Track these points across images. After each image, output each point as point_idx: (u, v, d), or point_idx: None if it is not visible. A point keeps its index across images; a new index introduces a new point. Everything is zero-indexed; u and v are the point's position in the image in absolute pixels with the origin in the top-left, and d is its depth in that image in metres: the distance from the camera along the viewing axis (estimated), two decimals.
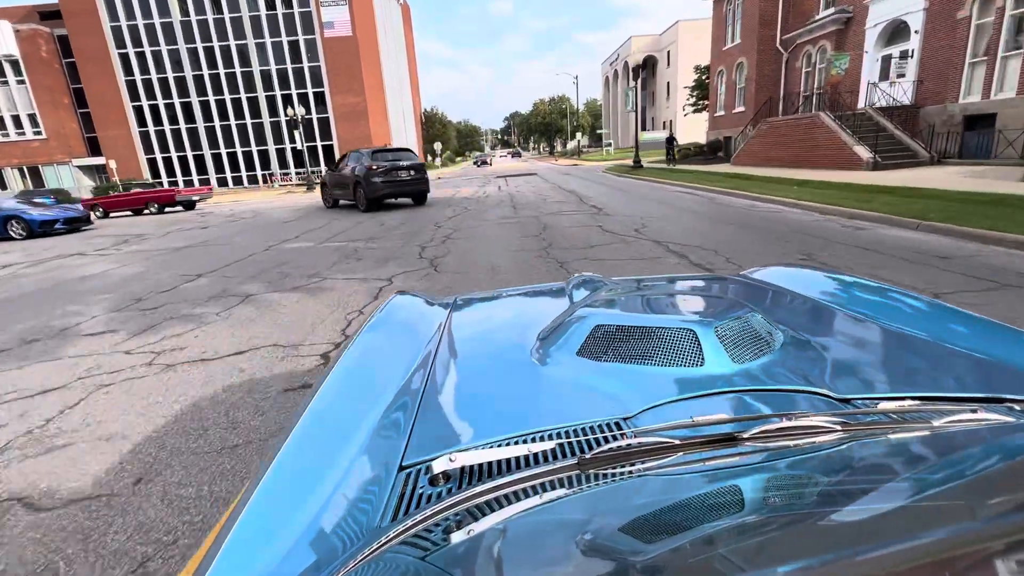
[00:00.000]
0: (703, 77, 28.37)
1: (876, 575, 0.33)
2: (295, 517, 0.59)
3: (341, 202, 14.71)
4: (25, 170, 38.20)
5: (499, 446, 0.68)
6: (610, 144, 49.26)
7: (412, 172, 12.96)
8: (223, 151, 38.16)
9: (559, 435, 0.71)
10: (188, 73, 36.56)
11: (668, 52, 43.86)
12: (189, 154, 38.07)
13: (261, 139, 37.99)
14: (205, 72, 36.67)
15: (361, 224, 10.20)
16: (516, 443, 0.69)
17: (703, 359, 0.83)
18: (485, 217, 9.96)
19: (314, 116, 37.45)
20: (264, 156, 38.36)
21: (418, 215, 11.00)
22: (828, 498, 0.51)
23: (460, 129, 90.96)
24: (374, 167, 12.44)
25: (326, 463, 0.68)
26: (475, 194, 16.07)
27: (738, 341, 0.86)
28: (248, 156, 38.34)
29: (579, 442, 0.68)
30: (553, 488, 0.56)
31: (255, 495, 0.62)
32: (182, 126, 37.50)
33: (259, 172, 38.37)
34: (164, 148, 38.03)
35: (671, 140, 24.23)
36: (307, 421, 0.78)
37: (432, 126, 61.58)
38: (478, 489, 0.57)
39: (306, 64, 36.75)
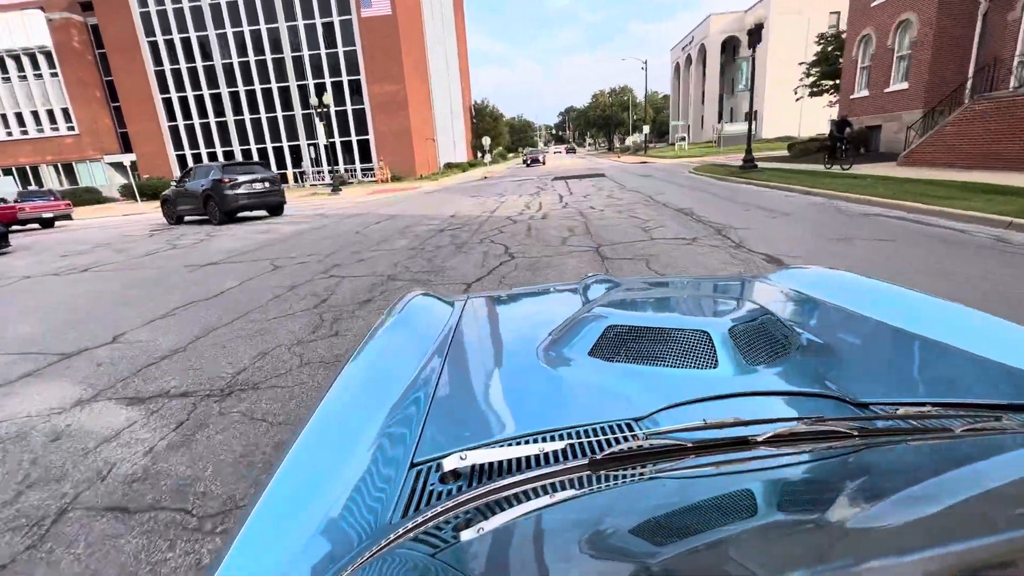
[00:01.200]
0: (829, 48, 21.68)
1: None
2: (307, 513, 0.59)
3: (186, 218, 14.19)
4: (60, 167, 36.74)
5: (510, 445, 0.68)
6: (683, 139, 42.66)
7: (267, 184, 13.18)
8: (253, 147, 34.98)
9: (570, 435, 0.71)
10: (217, 61, 33.55)
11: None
12: (219, 150, 35.18)
13: (292, 133, 34.52)
14: (235, 60, 33.53)
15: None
16: (527, 442, 0.69)
17: (717, 361, 0.82)
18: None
19: (348, 107, 33.52)
20: (296, 152, 34.89)
21: (343, 289, 5.46)
22: (844, 504, 0.50)
23: (513, 124, 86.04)
24: (226, 180, 12.39)
25: (338, 459, 0.69)
26: (524, 211, 10.83)
27: (753, 343, 0.85)
28: (279, 153, 34.99)
29: (591, 442, 0.67)
30: (564, 488, 0.56)
31: (268, 490, 0.63)
32: (211, 120, 34.62)
33: (290, 170, 34.96)
34: (193, 144, 35.33)
35: (845, 123, 15.12)
36: (319, 418, 0.78)
37: (482, 120, 56.91)
38: (489, 487, 0.58)
39: (341, 48, 32.80)
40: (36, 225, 18.70)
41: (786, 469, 0.58)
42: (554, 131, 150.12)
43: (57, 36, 33.83)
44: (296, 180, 34.65)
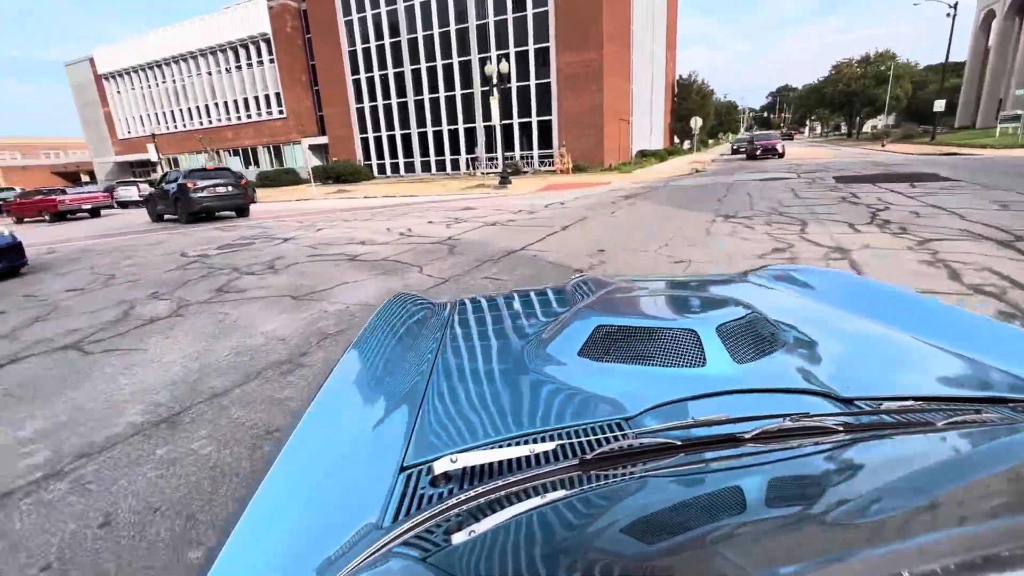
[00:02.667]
0: None
1: None
2: (296, 518, 0.59)
3: (166, 216, 15.49)
4: (271, 149, 39.56)
5: (501, 447, 0.68)
6: (1018, 119, 27.70)
7: (230, 188, 14.66)
8: (429, 129, 32.37)
9: (561, 436, 0.71)
10: (403, 37, 31.37)
11: None
12: (397, 133, 33.50)
13: (469, 114, 30.84)
14: (420, 34, 30.93)
15: None
16: (518, 444, 0.69)
17: (705, 359, 0.82)
18: None
19: (532, 81, 28.32)
20: (471, 136, 31.22)
21: None
22: (831, 499, 0.51)
23: (716, 107, 72.90)
24: (189, 184, 13.77)
25: (327, 464, 0.69)
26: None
27: (740, 341, 0.86)
28: (454, 136, 31.74)
29: (581, 443, 0.68)
30: (555, 489, 0.57)
31: (256, 496, 0.63)
32: (393, 100, 32.92)
33: (463, 156, 31.53)
34: (376, 126, 34.26)
35: None
36: (308, 423, 0.78)
37: (687, 98, 47.29)
38: (480, 490, 0.58)
39: (530, 10, 27.58)
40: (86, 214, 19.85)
41: (774, 465, 0.59)
42: (763, 113, 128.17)
43: (275, 23, 35.50)
44: (468, 167, 31.06)
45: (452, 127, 31.51)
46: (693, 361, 0.83)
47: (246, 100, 39.09)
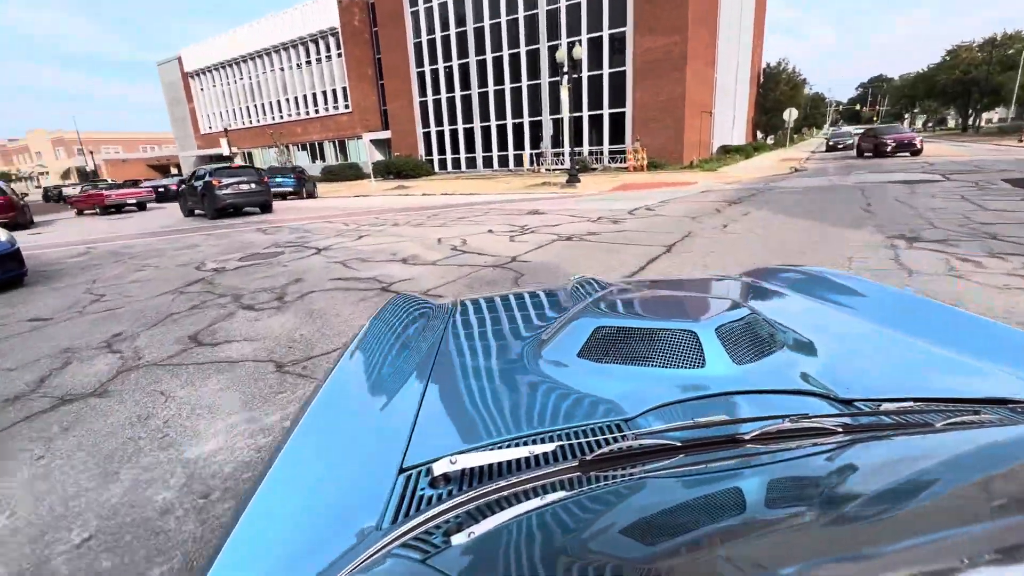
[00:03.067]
0: None
1: None
2: (296, 519, 0.59)
3: (196, 211, 15.75)
4: (336, 143, 39.65)
5: (500, 448, 0.68)
6: None
7: (253, 185, 14.87)
8: (493, 123, 30.76)
9: (560, 437, 0.71)
10: (469, 26, 29.91)
11: None
12: (460, 127, 32.17)
13: (535, 106, 28.90)
14: (486, 22, 29.33)
15: None
16: (517, 445, 0.69)
17: (704, 361, 0.82)
18: None
19: (605, 70, 25.92)
20: (536, 130, 29.30)
21: None
22: (830, 500, 0.51)
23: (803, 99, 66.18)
24: (215, 182, 14.16)
25: (327, 465, 0.69)
26: None
27: (739, 342, 0.86)
28: (519, 130, 29.94)
29: (580, 444, 0.68)
30: (554, 490, 0.57)
31: (255, 498, 0.62)
32: (457, 93, 31.58)
33: (527, 151, 29.67)
34: (439, 119, 33.12)
35: None
36: (307, 424, 0.78)
37: (774, 88, 42.70)
38: (479, 491, 0.58)
39: None
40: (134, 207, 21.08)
41: (774, 466, 0.58)
42: (852, 107, 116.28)
43: (343, 16, 35.25)
44: (532, 163, 29.17)
45: (516, 120, 29.72)
46: (692, 362, 0.83)
47: (314, 95, 39.35)
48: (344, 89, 37.30)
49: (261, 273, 6.21)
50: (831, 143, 32.82)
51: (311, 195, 23.42)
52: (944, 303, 1.20)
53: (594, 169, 25.48)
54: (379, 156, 36.93)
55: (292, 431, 0.76)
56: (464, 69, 30.82)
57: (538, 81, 28.27)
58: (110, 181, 28.70)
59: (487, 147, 31.43)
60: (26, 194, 20.78)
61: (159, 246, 9.38)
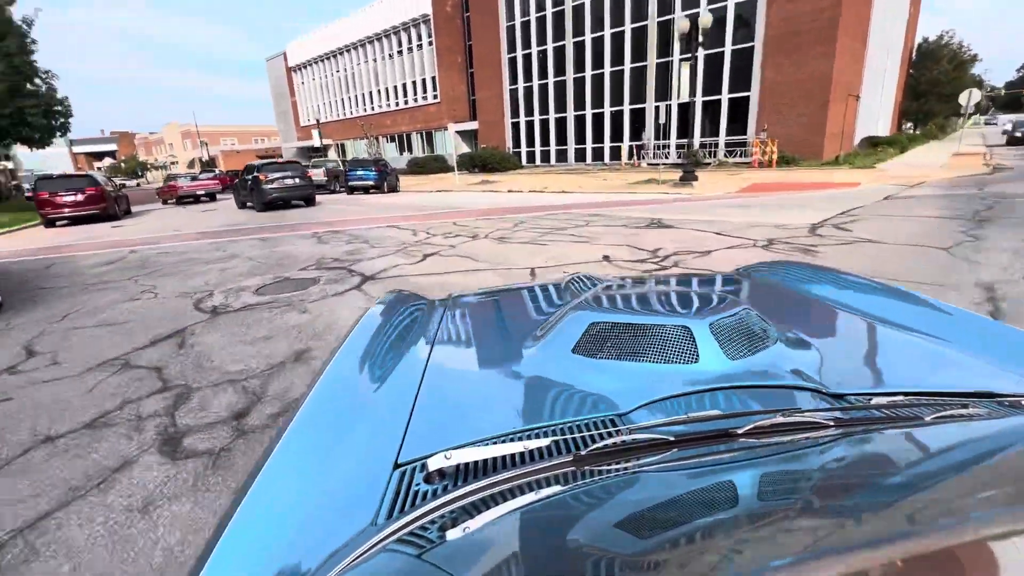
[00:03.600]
0: None
1: (870, 568, 0.33)
2: (290, 515, 0.59)
3: (247, 204, 16.44)
4: (423, 135, 38.74)
5: (495, 443, 0.68)
6: None
7: (297, 180, 15.36)
8: (588, 111, 27.76)
9: (555, 432, 0.71)
10: (568, 5, 27.05)
11: None
12: (551, 117, 29.52)
13: (638, 93, 25.49)
14: (586, 1, 26.32)
15: None
16: (512, 440, 0.69)
17: (698, 356, 0.82)
18: None
19: (727, 47, 21.91)
20: (637, 119, 25.89)
21: None
22: (822, 493, 0.52)
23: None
24: (262, 176, 14.77)
25: (321, 461, 0.69)
26: None
27: (732, 338, 0.86)
28: (617, 119, 26.70)
29: (575, 439, 0.68)
30: (549, 485, 0.57)
31: (250, 493, 0.62)
32: (550, 79, 28.93)
33: (625, 143, 26.37)
34: (529, 109, 30.71)
35: None
36: (302, 420, 0.78)
37: (932, 67, 35.25)
38: (474, 486, 0.58)
39: None
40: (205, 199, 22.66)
41: (766, 460, 0.59)
42: (1015, 92, 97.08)
43: (436, 2, 33.93)
44: (631, 156, 25.86)
45: (615, 108, 26.50)
46: (686, 357, 0.83)
47: (403, 86, 38.65)
48: (433, 79, 36.11)
49: (265, 327, 4.11)
50: (1016, 133, 26.04)
51: (393, 189, 22.16)
52: (933, 298, 1.22)
53: (706, 164, 21.74)
54: (465, 148, 35.39)
55: (287, 427, 0.76)
56: (559, 53, 28.07)
57: (643, 63, 24.83)
58: (184, 172, 30.44)
59: (580, 138, 28.51)
60: (123, 185, 21.59)
61: (195, 255, 7.85)
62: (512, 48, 30.31)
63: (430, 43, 35.36)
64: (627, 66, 25.49)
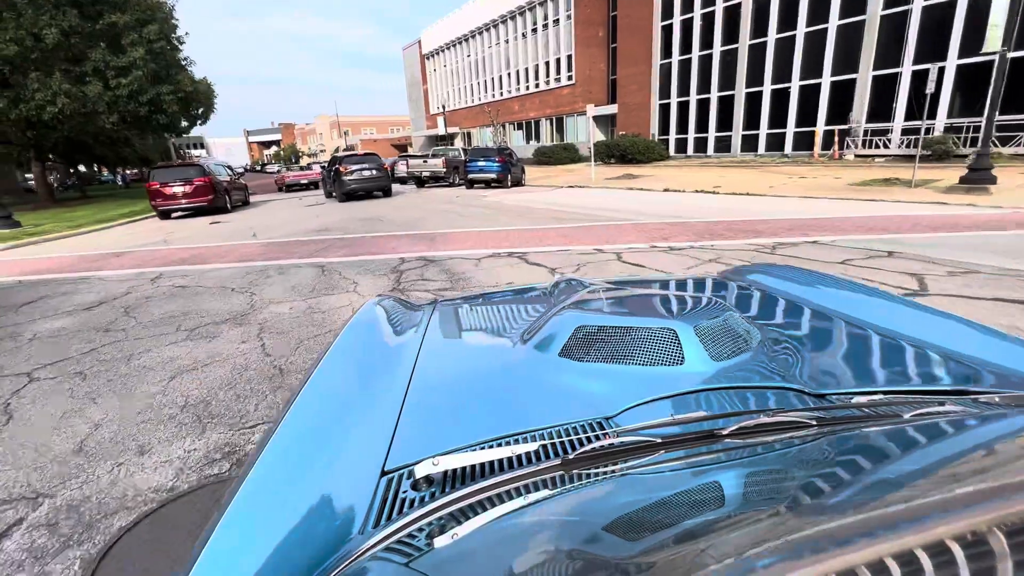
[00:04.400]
0: None
1: (853, 564, 0.33)
2: (275, 525, 0.58)
3: (332, 194, 17.09)
4: (553, 121, 35.04)
5: (483, 448, 0.68)
6: None
7: (374, 172, 15.96)
8: (766, 87, 21.66)
9: (542, 436, 0.72)
10: None
11: None
12: (713, 95, 23.83)
13: (848, 58, 18.91)
14: None
15: None
16: (500, 445, 0.69)
17: (683, 358, 0.83)
18: None
19: None
20: (842, 93, 19.32)
21: None
22: (805, 491, 0.52)
23: None
24: (342, 168, 15.68)
25: (306, 470, 0.68)
26: None
27: (717, 340, 0.87)
28: (811, 94, 20.33)
29: (562, 443, 0.68)
30: (537, 489, 0.57)
31: (234, 503, 0.62)
32: (716, 48, 23.23)
33: (820, 127, 19.94)
34: (683, 88, 25.29)
35: None
36: (286, 428, 0.77)
37: None
38: (462, 492, 0.58)
39: None
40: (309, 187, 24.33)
41: (751, 460, 0.60)
42: None
43: None
44: (830, 145, 19.46)
45: (809, 81, 20.13)
46: (672, 360, 0.83)
47: (535, 67, 35.23)
48: (568, 58, 32.12)
49: None
50: None
51: (517, 183, 18.86)
52: (912, 300, 1.27)
53: (960, 156, 14.93)
54: (600, 136, 31.01)
55: (271, 435, 0.75)
56: (732, 14, 22.25)
57: (859, 17, 18.22)
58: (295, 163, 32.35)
59: (751, 122, 22.50)
60: (241, 173, 21.44)
61: (214, 303, 4.93)
62: (668, 12, 25.04)
63: (568, 16, 31.36)
64: (832, 23, 19.00)
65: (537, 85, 35.43)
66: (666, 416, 0.65)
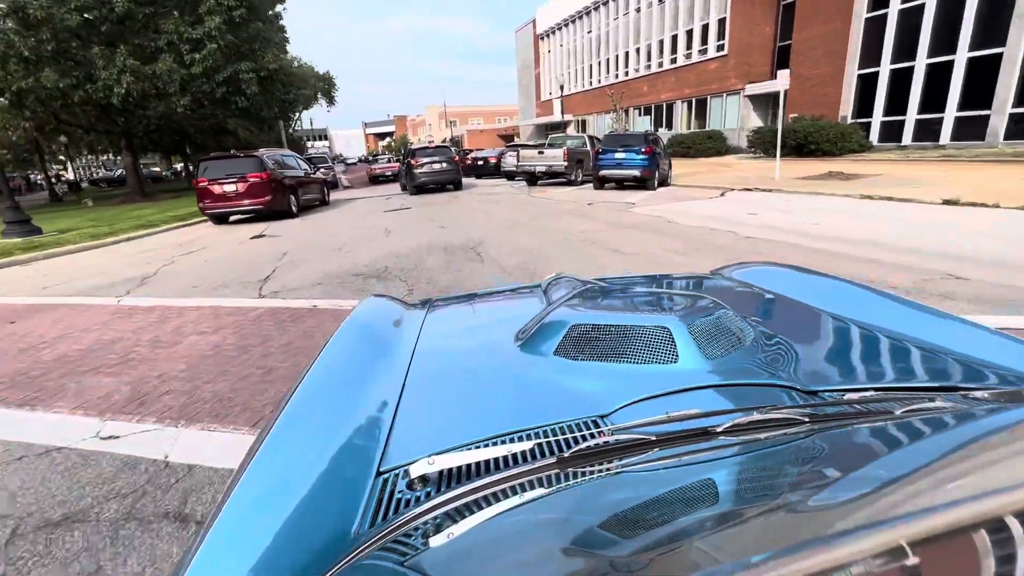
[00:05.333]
0: None
1: (847, 560, 0.33)
2: (270, 525, 0.58)
3: (406, 187, 16.30)
4: (692, 104, 28.64)
5: (478, 447, 0.68)
6: None
7: (444, 165, 15.32)
8: (1004, 49, 13.89)
9: (538, 435, 0.72)
10: None
11: None
12: (960, 55, 16.30)
13: None
14: None
15: None
16: (495, 444, 0.69)
17: (677, 356, 0.83)
18: None
19: None
20: None
21: None
22: (799, 487, 0.53)
23: None
24: (412, 162, 15.21)
25: (301, 470, 0.68)
26: None
27: (711, 338, 0.87)
28: None
29: (557, 441, 0.68)
30: (532, 488, 0.57)
31: (228, 503, 0.61)
32: None
33: None
34: (905, 48, 17.91)
35: None
36: (281, 428, 0.77)
37: None
38: (457, 492, 0.58)
39: None
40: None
41: (745, 456, 0.61)
42: None
43: None
44: None
45: None
46: (666, 358, 0.83)
47: (673, 39, 28.99)
48: (720, 23, 25.56)
49: None
50: None
51: (664, 182, 13.67)
52: (904, 297, 1.25)
53: None
54: (757, 121, 24.28)
55: (266, 435, 0.74)
56: None
57: None
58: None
59: (981, 97, 14.77)
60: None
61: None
62: None
63: None
64: None
65: (674, 60, 29.19)
66: (660, 414, 0.65)
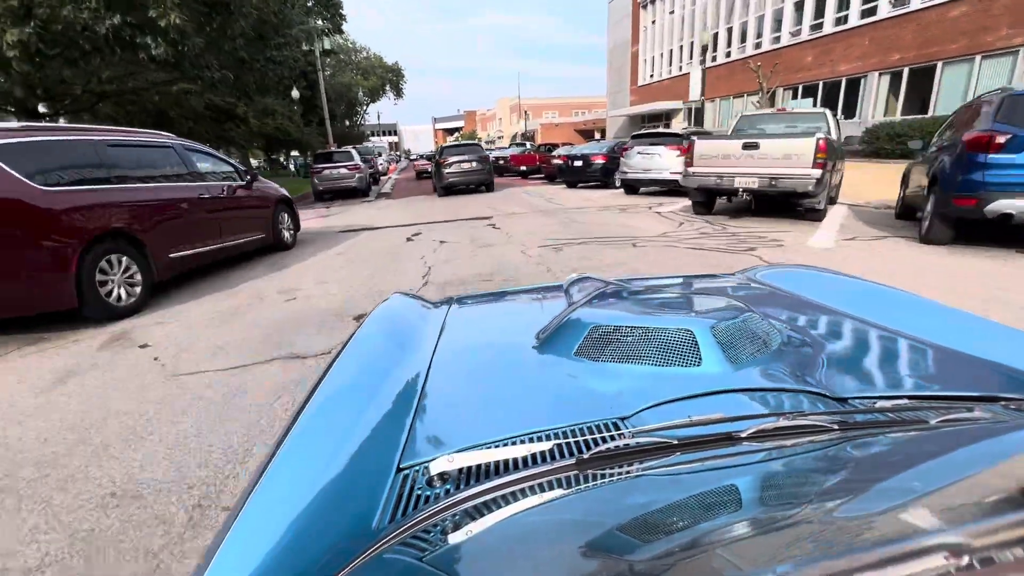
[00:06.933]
0: None
1: (874, 573, 0.32)
2: (292, 519, 0.59)
3: (437, 187, 15.57)
4: (895, 76, 18.90)
5: (497, 447, 0.68)
6: None
7: (474, 164, 14.26)
8: None
9: (557, 435, 0.71)
10: None
11: None
12: None
13: None
14: None
15: None
16: (514, 443, 0.69)
17: (701, 359, 0.82)
18: None
19: None
20: None
21: None
22: (825, 497, 0.52)
23: None
24: (442, 161, 14.32)
25: (323, 465, 0.69)
26: None
27: (736, 341, 0.86)
28: None
29: (577, 442, 0.68)
30: (551, 488, 0.57)
31: (252, 497, 0.62)
32: None
33: None
34: None
35: None
36: (304, 423, 0.78)
37: None
38: (476, 490, 0.58)
39: None
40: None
41: (769, 463, 0.59)
42: None
43: None
44: None
45: None
46: (689, 361, 0.82)
47: None
48: None
49: None
50: None
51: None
52: (937, 301, 1.20)
53: None
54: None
55: (288, 431, 0.75)
56: None
57: None
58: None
59: None
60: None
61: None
62: None
63: None
64: None
65: (873, 10, 19.58)
66: (683, 417, 0.63)
